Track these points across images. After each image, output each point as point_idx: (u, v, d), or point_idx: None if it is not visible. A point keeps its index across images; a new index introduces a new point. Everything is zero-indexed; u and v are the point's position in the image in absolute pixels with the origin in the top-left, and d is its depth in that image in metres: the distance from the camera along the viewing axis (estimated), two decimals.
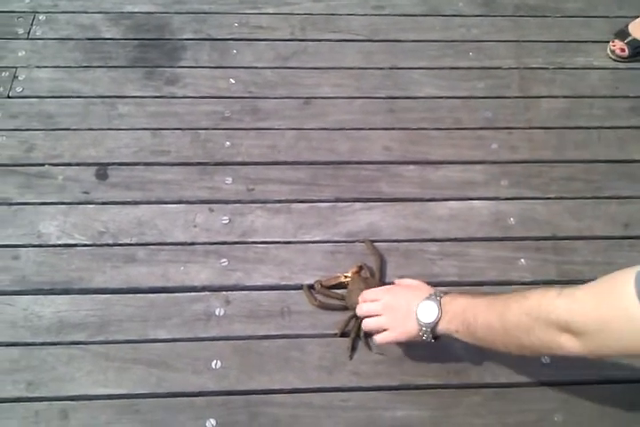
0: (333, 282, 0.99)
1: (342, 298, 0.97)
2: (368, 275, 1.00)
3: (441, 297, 0.80)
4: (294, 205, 1.09)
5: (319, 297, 0.98)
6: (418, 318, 0.79)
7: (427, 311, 0.79)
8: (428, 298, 0.80)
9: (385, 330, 0.85)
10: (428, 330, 0.79)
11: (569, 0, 1.50)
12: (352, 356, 0.93)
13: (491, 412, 0.91)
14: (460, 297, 0.79)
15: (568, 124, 1.26)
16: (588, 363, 0.92)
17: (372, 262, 1.02)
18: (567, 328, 0.62)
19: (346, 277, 0.99)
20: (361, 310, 0.88)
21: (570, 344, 0.63)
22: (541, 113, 1.28)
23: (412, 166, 1.17)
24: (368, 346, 0.93)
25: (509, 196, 1.14)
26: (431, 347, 0.91)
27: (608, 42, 1.40)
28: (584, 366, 0.94)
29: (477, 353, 0.93)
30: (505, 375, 0.93)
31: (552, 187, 1.17)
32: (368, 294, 0.90)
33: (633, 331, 0.56)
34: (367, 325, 0.87)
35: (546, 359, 0.94)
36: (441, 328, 0.78)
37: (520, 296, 0.70)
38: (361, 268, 1.00)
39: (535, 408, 0.91)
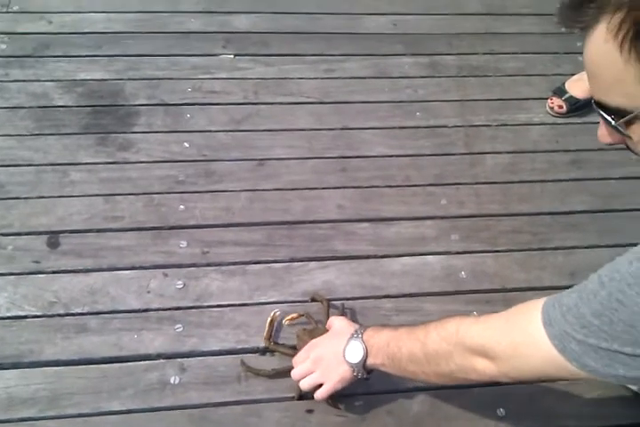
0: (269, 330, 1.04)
1: (294, 351, 1.00)
2: (314, 324, 1.04)
3: (362, 333, 0.86)
4: (249, 267, 1.16)
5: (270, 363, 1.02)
6: (347, 361, 0.86)
7: (353, 352, 0.86)
8: (350, 338, 0.87)
9: (322, 385, 0.91)
10: (360, 368, 0.85)
11: (509, 60, 1.68)
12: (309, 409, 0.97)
13: None
14: (382, 330, 0.86)
15: (512, 179, 1.39)
16: (539, 414, 1.02)
17: (322, 310, 1.07)
18: (482, 352, 0.70)
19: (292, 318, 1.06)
20: (295, 374, 0.94)
21: (485, 367, 0.70)
22: (486, 168, 1.40)
23: (365, 224, 1.26)
24: (329, 404, 0.97)
25: (460, 250, 1.24)
26: (393, 404, 0.98)
27: (547, 99, 1.56)
28: (536, 418, 1.02)
29: (435, 407, 1.00)
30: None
31: (500, 240, 1.27)
32: (297, 358, 0.96)
33: (539, 355, 0.63)
34: (303, 386, 0.93)
35: (501, 412, 1.01)
36: (369, 363, 0.85)
37: (439, 324, 0.77)
38: (301, 315, 1.06)
39: None
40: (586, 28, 0.50)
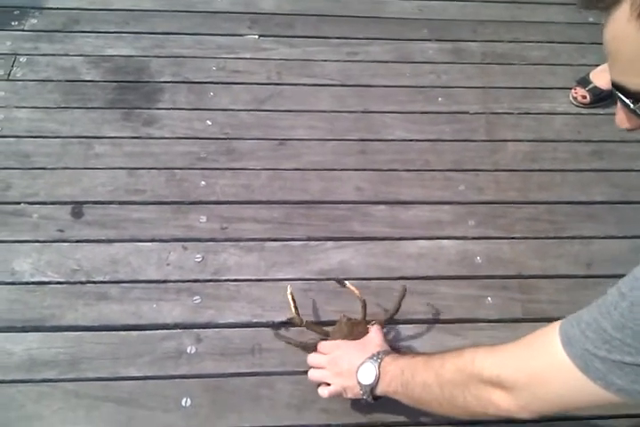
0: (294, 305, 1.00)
1: (327, 334, 1.01)
2: (362, 321, 1.02)
3: (382, 359, 0.85)
4: (267, 244, 1.17)
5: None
6: (358, 379, 0.85)
7: (366, 374, 0.84)
8: (369, 359, 0.86)
9: (328, 384, 0.91)
10: (368, 391, 0.84)
11: (534, 48, 1.66)
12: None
13: None
14: (400, 358, 0.84)
15: (532, 167, 1.38)
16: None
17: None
18: (499, 383, 0.66)
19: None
20: (310, 360, 0.95)
21: (502, 401, 0.66)
22: (507, 156, 1.40)
23: (382, 206, 1.27)
24: None
25: (476, 235, 1.24)
26: None
27: (571, 89, 1.55)
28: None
29: None
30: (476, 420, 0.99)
31: (517, 227, 1.27)
32: (322, 346, 0.96)
33: (561, 379, 0.59)
34: (311, 376, 0.94)
35: None
36: (380, 390, 0.83)
37: (455, 353, 0.74)
38: (361, 299, 1.02)
39: None
40: (608, 8, 0.48)
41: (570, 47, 1.67)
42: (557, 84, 1.57)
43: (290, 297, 1.01)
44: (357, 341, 0.96)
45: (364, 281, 1.14)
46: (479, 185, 1.33)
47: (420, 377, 0.77)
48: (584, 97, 1.51)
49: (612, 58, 0.51)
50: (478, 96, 1.52)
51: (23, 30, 1.50)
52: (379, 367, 0.83)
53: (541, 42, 1.68)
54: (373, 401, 0.86)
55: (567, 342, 0.59)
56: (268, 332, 1.05)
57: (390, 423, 0.97)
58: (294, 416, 0.97)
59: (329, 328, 1.02)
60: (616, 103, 0.54)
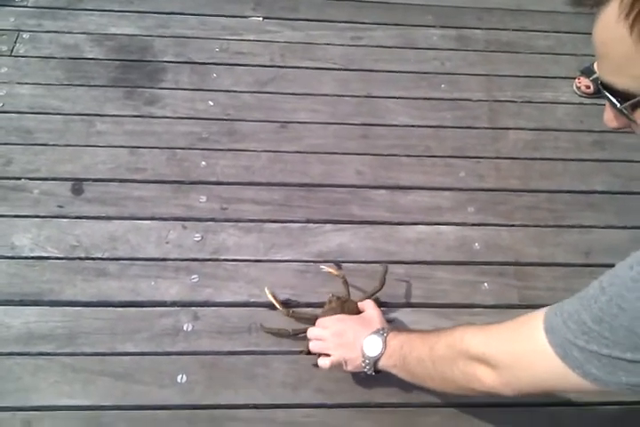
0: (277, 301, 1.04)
1: (315, 319, 1.02)
2: (348, 298, 1.04)
3: (387, 334, 0.87)
4: (266, 225, 1.17)
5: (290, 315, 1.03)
6: (363, 351, 0.86)
7: (372, 345, 0.86)
8: (375, 333, 0.88)
9: (328, 356, 0.92)
10: (371, 363, 0.86)
11: (539, 37, 1.65)
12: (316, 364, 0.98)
13: None
14: (401, 334, 0.86)
15: (534, 156, 1.38)
16: None
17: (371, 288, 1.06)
18: (484, 360, 0.69)
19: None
20: (311, 333, 0.96)
21: (487, 377, 0.69)
22: (509, 144, 1.39)
23: (382, 191, 1.26)
24: None
25: (475, 222, 1.24)
26: None
27: (574, 78, 1.54)
28: None
29: None
30: (464, 397, 1.00)
31: (516, 215, 1.27)
32: (322, 321, 0.98)
33: (541, 364, 0.61)
34: (313, 347, 0.95)
35: None
36: (381, 363, 0.85)
37: (448, 331, 0.77)
38: (341, 277, 1.06)
39: None
40: (597, 5, 0.49)
41: (575, 37, 1.66)
42: (561, 74, 1.56)
43: (269, 295, 1.04)
44: (359, 316, 0.97)
45: (362, 264, 1.14)
46: (480, 172, 1.33)
47: (417, 352, 0.80)
48: (587, 87, 1.51)
49: (600, 57, 0.51)
50: (481, 83, 1.51)
51: (27, 6, 1.48)
52: (385, 342, 0.85)
53: (547, 31, 1.67)
54: (374, 373, 0.87)
55: (549, 330, 0.60)
56: (265, 312, 1.05)
57: (383, 404, 0.98)
58: (289, 395, 0.97)
59: (318, 310, 1.02)
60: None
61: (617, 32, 0.47)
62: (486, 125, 1.42)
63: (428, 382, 0.80)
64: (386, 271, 1.07)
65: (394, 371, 0.85)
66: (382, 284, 1.06)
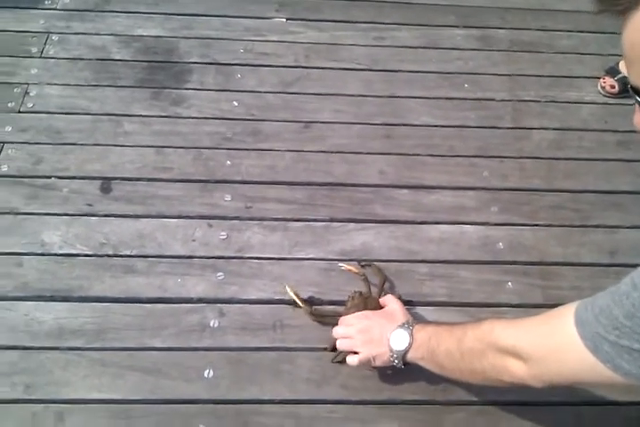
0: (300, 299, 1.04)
1: (337, 316, 1.02)
2: (370, 294, 1.05)
3: (413, 326, 0.87)
4: (290, 224, 1.18)
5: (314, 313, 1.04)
6: (390, 345, 0.87)
7: (399, 339, 0.87)
8: (400, 326, 0.88)
9: (356, 353, 0.93)
10: (399, 357, 0.87)
11: (563, 37, 1.64)
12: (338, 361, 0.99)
13: None
14: (428, 326, 0.87)
15: (558, 155, 1.37)
16: (566, 388, 1.02)
17: (377, 282, 1.07)
18: (515, 353, 0.69)
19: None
20: (337, 332, 0.97)
21: (517, 369, 0.70)
22: (532, 143, 1.38)
23: (405, 190, 1.26)
24: None
25: (499, 221, 1.23)
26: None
27: (599, 78, 1.52)
28: (563, 388, 1.01)
29: None
30: (489, 393, 0.99)
31: (540, 214, 1.26)
32: (346, 318, 0.98)
33: (572, 357, 0.62)
34: (341, 345, 0.95)
35: None
36: (409, 356, 0.86)
37: (476, 324, 0.78)
38: (360, 274, 1.08)
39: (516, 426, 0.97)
40: (625, 12, 0.47)
41: (599, 37, 1.64)
42: (585, 74, 1.54)
43: (291, 293, 1.04)
44: (382, 311, 0.98)
45: (385, 263, 1.14)
46: (503, 172, 1.32)
47: (445, 345, 0.80)
48: (612, 86, 1.49)
49: (630, 62, 0.50)
50: (505, 83, 1.50)
51: (56, 9, 1.51)
52: (411, 335, 0.86)
53: (570, 31, 1.65)
54: (403, 366, 0.88)
55: (580, 324, 0.61)
56: (290, 309, 1.06)
57: (407, 401, 0.98)
58: (314, 391, 0.97)
59: (341, 308, 1.03)
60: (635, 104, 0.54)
61: None
62: (510, 125, 1.41)
63: (456, 373, 0.81)
64: (377, 267, 1.10)
65: (422, 363, 0.86)
66: (384, 276, 1.08)
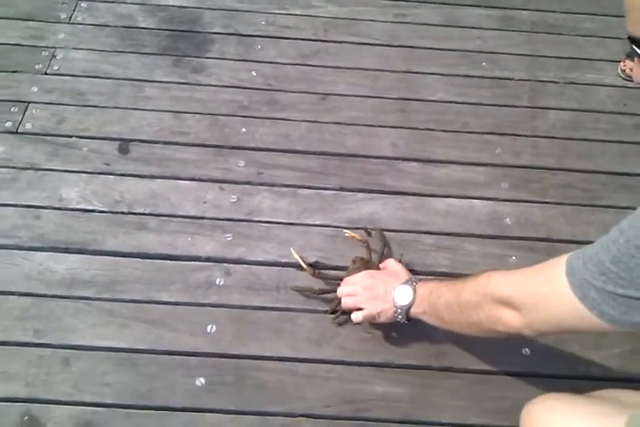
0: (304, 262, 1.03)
1: (340, 280, 1.01)
2: (370, 259, 1.04)
3: (416, 283, 0.87)
4: (300, 191, 1.17)
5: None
6: (394, 301, 0.86)
7: (403, 295, 0.86)
8: (404, 283, 0.88)
9: (361, 310, 0.92)
10: (403, 312, 0.86)
11: (586, 20, 1.58)
12: (340, 323, 0.99)
13: (468, 395, 0.96)
14: (429, 282, 0.87)
15: (573, 136, 1.32)
16: (564, 358, 0.99)
17: (378, 248, 1.07)
18: (508, 303, 0.69)
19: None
20: (341, 291, 0.96)
21: (510, 318, 0.70)
22: (548, 123, 1.34)
23: (415, 163, 1.24)
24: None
25: (508, 198, 1.20)
26: (416, 330, 0.98)
27: (619, 62, 1.46)
28: (561, 361, 1.00)
29: (461, 339, 0.97)
30: (485, 363, 0.98)
31: (550, 192, 1.22)
32: (350, 278, 0.97)
33: (562, 305, 0.62)
34: (345, 303, 0.94)
35: (526, 351, 0.99)
36: (412, 311, 0.85)
37: (474, 277, 0.77)
38: (363, 241, 1.07)
39: (512, 396, 0.95)
40: None
41: (622, 20, 1.56)
42: (606, 57, 1.48)
43: (296, 256, 1.03)
44: (386, 270, 0.97)
45: (391, 233, 1.12)
46: (516, 149, 1.28)
47: (444, 298, 0.80)
48: (632, 70, 1.43)
49: (628, 11, 0.52)
50: (524, 63, 1.45)
51: None
52: (415, 290, 0.86)
53: (594, 14, 1.59)
54: (406, 322, 0.87)
55: (570, 273, 0.61)
56: (294, 272, 1.05)
57: (403, 365, 0.97)
58: (312, 350, 0.97)
59: (344, 272, 1.01)
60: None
61: None
62: (526, 104, 1.37)
63: (455, 326, 0.81)
64: (381, 232, 1.09)
65: (424, 317, 0.85)
66: (385, 241, 1.08)
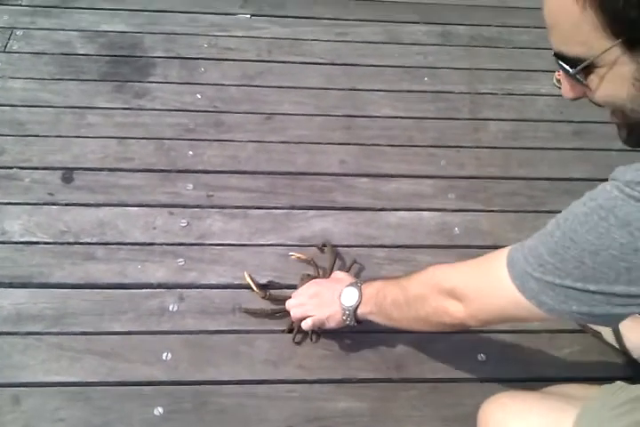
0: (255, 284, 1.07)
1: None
2: (317, 272, 1.08)
3: (361, 284, 0.91)
4: (251, 211, 1.20)
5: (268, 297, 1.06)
6: (341, 303, 0.90)
7: (348, 296, 0.90)
8: (349, 285, 0.92)
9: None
10: (351, 313, 0.89)
11: (522, 33, 1.68)
12: (298, 342, 1.02)
13: (427, 405, 0.99)
14: (375, 282, 0.90)
15: (514, 145, 1.40)
16: (519, 361, 1.04)
17: (327, 264, 1.10)
18: (453, 294, 0.73)
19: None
20: (289, 304, 0.99)
21: (456, 310, 0.74)
22: (489, 134, 1.42)
23: (365, 179, 1.29)
24: (312, 339, 1.02)
25: (455, 208, 1.26)
26: (375, 343, 1.02)
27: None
28: (515, 364, 1.05)
29: (418, 349, 1.03)
30: (442, 371, 1.02)
31: (496, 201, 1.29)
32: (297, 291, 1.01)
33: (503, 296, 0.66)
34: (294, 314, 0.98)
35: (482, 357, 1.04)
36: (360, 311, 0.89)
37: (420, 271, 0.81)
38: (308, 260, 1.11)
39: (469, 402, 0.97)
40: None
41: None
42: (542, 67, 1.59)
43: (248, 279, 1.07)
44: (331, 277, 1.01)
45: (345, 248, 1.16)
46: (460, 161, 1.35)
47: (391, 296, 0.83)
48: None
49: (551, 29, 0.54)
50: (464, 77, 1.54)
51: (21, 5, 1.53)
52: (360, 290, 0.89)
53: (529, 27, 1.70)
54: (356, 324, 0.90)
55: (510, 264, 0.65)
56: (249, 294, 1.07)
57: (363, 379, 1.00)
58: (271, 371, 0.99)
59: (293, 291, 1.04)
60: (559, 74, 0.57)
61: (564, 1, 0.50)
62: (467, 117, 1.45)
63: (403, 322, 0.84)
64: (332, 247, 1.13)
65: (371, 317, 0.89)
66: (335, 256, 1.11)
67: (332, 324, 0.94)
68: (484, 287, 0.69)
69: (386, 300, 0.85)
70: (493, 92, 1.51)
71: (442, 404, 0.99)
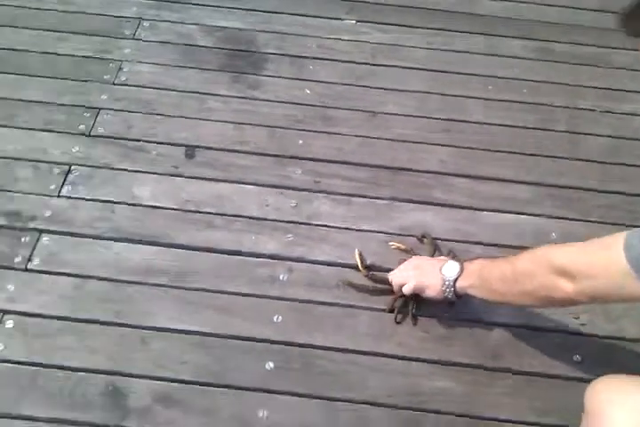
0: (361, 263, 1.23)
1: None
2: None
3: (463, 260, 1.06)
4: (354, 199, 1.36)
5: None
6: (442, 273, 1.04)
7: (450, 268, 1.05)
8: (450, 260, 1.07)
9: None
10: (450, 284, 1.03)
11: (621, 54, 1.82)
12: (399, 322, 1.16)
13: (522, 396, 1.10)
14: (477, 260, 1.05)
15: (612, 160, 1.52)
16: (615, 367, 1.12)
17: (426, 253, 1.25)
18: (564, 271, 0.84)
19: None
20: (393, 273, 1.15)
21: (565, 286, 0.85)
22: (586, 148, 1.55)
23: (463, 179, 1.44)
24: (414, 321, 1.16)
25: (552, 215, 1.38)
26: (471, 332, 1.16)
27: None
28: (611, 369, 1.13)
29: (515, 342, 1.16)
30: (539, 366, 1.13)
31: (593, 212, 1.40)
32: (400, 267, 1.16)
33: (616, 275, 0.77)
34: (396, 280, 1.13)
35: (577, 358, 1.14)
36: (459, 284, 1.03)
37: (530, 250, 0.95)
38: (408, 250, 1.25)
39: (563, 399, 1.08)
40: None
41: None
42: (638, 89, 1.71)
43: (357, 256, 1.23)
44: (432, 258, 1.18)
45: (442, 242, 1.31)
46: (558, 170, 1.48)
47: (498, 270, 0.97)
48: None
49: None
50: (562, 91, 1.68)
51: None
52: (461, 264, 1.04)
53: (627, 49, 1.84)
54: (455, 298, 1.04)
55: (627, 248, 0.75)
56: (351, 273, 1.23)
57: (460, 363, 1.12)
58: (373, 345, 1.13)
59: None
60: None
61: None
62: (565, 129, 1.58)
63: (507, 296, 0.97)
64: (432, 239, 1.28)
65: (471, 291, 1.02)
66: (434, 245, 1.27)
67: (431, 293, 1.08)
68: (599, 266, 0.80)
69: (492, 274, 0.98)
70: (591, 108, 1.65)
71: (536, 396, 1.10)
